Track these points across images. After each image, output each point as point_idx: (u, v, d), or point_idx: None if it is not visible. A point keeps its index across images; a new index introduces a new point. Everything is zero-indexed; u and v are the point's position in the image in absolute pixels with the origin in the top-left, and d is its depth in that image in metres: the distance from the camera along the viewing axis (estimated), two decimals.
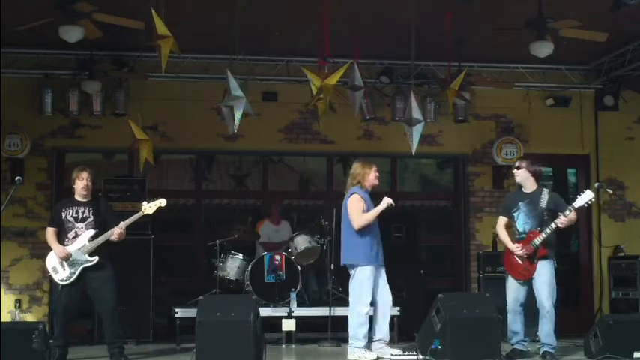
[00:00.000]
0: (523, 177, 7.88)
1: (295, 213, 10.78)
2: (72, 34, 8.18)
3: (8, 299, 10.19)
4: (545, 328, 7.71)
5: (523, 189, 7.92)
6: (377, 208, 7.77)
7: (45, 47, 9.91)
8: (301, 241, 9.97)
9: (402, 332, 9.35)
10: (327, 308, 9.21)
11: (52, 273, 7.76)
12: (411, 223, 10.82)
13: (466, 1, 8.13)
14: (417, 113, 8.81)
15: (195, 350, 6.95)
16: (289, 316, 9.22)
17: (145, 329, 9.48)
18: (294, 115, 10.90)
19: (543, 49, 8.64)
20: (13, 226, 10.28)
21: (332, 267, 9.55)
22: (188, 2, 8.44)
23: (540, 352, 7.77)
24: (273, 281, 9.63)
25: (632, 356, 7.25)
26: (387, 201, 7.76)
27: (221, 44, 9.07)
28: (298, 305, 9.44)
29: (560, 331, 9.67)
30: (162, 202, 7.79)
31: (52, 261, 7.76)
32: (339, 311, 9.29)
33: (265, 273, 9.68)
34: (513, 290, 7.87)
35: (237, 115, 8.15)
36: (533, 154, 11.13)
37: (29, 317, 10.18)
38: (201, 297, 7.57)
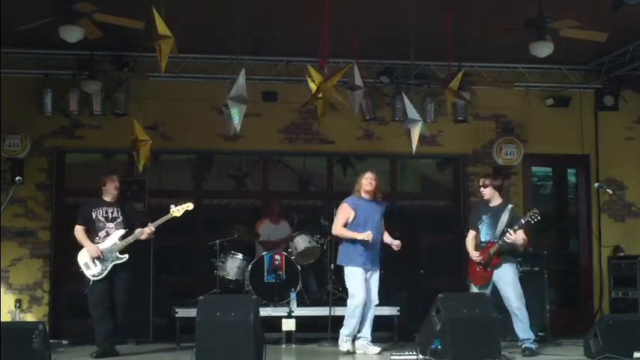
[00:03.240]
0: (490, 194, 8.48)
1: (295, 213, 10.75)
2: (72, 34, 8.16)
3: (8, 299, 10.18)
4: (520, 325, 8.14)
5: (489, 203, 8.47)
6: (355, 234, 8.30)
7: (45, 47, 9.90)
8: (301, 241, 9.99)
9: (402, 332, 9.35)
10: (327, 308, 9.23)
11: (83, 269, 8.10)
12: (410, 223, 10.82)
13: (464, 3, 8.13)
14: (412, 113, 8.81)
15: (195, 350, 6.94)
16: (289, 316, 9.22)
17: (145, 329, 9.48)
18: (294, 115, 10.88)
19: (543, 49, 8.64)
20: (13, 226, 10.26)
21: (332, 267, 9.56)
22: (188, 2, 8.44)
23: (521, 348, 8.12)
24: (273, 281, 9.64)
25: (632, 356, 7.25)
26: (366, 235, 8.23)
27: (221, 44, 9.08)
28: (298, 305, 9.44)
29: (560, 331, 9.75)
30: (189, 206, 8.21)
31: (83, 257, 8.11)
32: (339, 311, 9.29)
33: (265, 273, 9.69)
34: None
35: (241, 115, 8.16)
36: (533, 154, 11.24)
37: (29, 317, 10.16)
38: (201, 297, 7.56)
